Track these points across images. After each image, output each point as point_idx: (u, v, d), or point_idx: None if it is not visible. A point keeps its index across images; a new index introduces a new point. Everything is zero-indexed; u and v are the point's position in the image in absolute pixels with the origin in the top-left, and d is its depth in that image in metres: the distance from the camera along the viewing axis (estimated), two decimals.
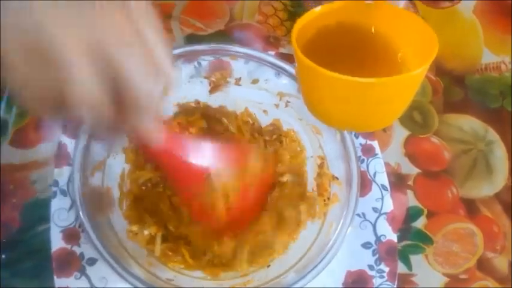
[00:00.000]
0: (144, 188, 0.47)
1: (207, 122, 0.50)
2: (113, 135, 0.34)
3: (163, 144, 0.35)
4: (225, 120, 0.50)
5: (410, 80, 0.35)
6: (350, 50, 0.39)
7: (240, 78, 0.49)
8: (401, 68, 0.39)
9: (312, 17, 0.38)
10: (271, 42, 0.58)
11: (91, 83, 0.26)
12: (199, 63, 0.49)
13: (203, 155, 0.41)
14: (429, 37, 0.36)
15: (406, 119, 0.56)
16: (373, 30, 0.39)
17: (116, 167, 0.45)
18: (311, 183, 0.48)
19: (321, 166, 0.47)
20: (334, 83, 0.34)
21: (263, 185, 0.45)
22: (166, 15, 0.58)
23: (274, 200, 0.47)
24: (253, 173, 0.43)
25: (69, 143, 0.48)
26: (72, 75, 0.26)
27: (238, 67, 0.49)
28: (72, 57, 0.26)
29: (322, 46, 0.39)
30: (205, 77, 0.49)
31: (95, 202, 0.41)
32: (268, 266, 0.44)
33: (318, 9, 0.38)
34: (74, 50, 0.26)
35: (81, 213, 0.39)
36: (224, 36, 0.58)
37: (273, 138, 0.50)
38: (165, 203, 0.46)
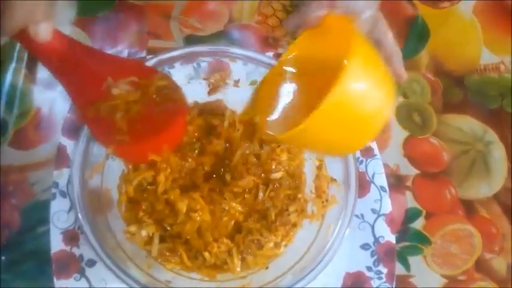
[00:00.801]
0: (139, 188, 0.47)
1: (204, 117, 0.50)
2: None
3: (51, 41, 0.33)
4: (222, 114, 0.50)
5: (338, 99, 0.32)
6: (315, 80, 0.40)
7: (239, 79, 0.49)
8: None
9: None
10: (270, 43, 0.58)
11: None
12: (198, 65, 0.49)
13: (101, 63, 0.39)
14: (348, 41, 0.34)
15: (405, 120, 0.56)
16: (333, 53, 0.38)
17: (115, 169, 0.45)
18: (309, 185, 0.48)
19: (319, 168, 0.47)
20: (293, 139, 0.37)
21: (171, 107, 0.41)
22: (165, 16, 0.58)
23: (263, 199, 0.47)
24: (158, 91, 0.40)
25: (68, 144, 0.48)
26: None
27: (237, 69, 0.49)
28: None
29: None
30: (204, 79, 0.49)
31: (94, 204, 0.41)
32: (267, 268, 0.44)
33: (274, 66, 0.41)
34: None
35: (79, 215, 0.39)
36: (223, 37, 0.58)
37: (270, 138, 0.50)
38: (160, 202, 0.46)
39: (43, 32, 0.32)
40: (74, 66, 0.37)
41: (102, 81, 0.38)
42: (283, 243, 0.45)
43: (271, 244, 0.45)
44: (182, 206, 0.43)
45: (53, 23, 0.34)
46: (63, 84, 0.39)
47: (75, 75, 0.37)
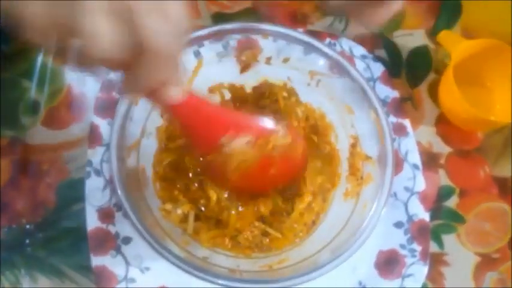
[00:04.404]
0: (173, 167, 0.47)
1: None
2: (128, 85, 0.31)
3: (179, 101, 0.33)
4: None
5: None
6: None
7: (271, 57, 0.48)
8: None
9: None
10: (298, 19, 0.58)
11: (107, 22, 0.25)
12: (227, 42, 0.48)
13: (222, 119, 0.40)
14: None
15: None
16: None
17: (150, 147, 0.45)
18: (343, 163, 0.47)
19: (353, 146, 0.46)
20: None
21: (288, 164, 0.43)
22: None
23: None
24: (276, 148, 0.41)
25: (101, 123, 0.48)
26: (88, 10, 0.25)
27: (268, 46, 0.48)
28: None
29: None
30: (235, 56, 0.49)
31: (131, 182, 0.41)
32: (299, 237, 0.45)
33: None
34: None
35: (119, 192, 0.39)
36: (251, 13, 0.57)
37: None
38: (193, 184, 0.46)
39: (175, 94, 0.32)
40: (195, 121, 0.38)
41: (219, 136, 0.39)
42: (316, 209, 0.46)
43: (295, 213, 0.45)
44: (213, 194, 0.43)
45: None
46: (187, 135, 0.41)
47: (196, 129, 0.39)
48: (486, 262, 0.50)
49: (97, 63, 0.27)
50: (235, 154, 0.40)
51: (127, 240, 0.45)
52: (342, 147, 0.48)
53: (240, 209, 0.45)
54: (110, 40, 0.26)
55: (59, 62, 0.32)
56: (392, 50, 0.57)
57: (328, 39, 0.54)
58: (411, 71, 0.56)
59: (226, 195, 0.44)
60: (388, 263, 0.47)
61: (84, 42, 0.26)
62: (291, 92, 0.49)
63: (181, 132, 0.43)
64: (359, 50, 0.54)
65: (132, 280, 0.44)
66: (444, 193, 0.51)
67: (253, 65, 0.49)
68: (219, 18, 0.57)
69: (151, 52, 0.27)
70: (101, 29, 0.25)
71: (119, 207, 0.45)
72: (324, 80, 0.48)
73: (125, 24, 0.26)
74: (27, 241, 0.46)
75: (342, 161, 0.47)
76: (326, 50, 0.47)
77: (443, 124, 0.54)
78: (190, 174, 0.46)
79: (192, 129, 0.39)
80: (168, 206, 0.44)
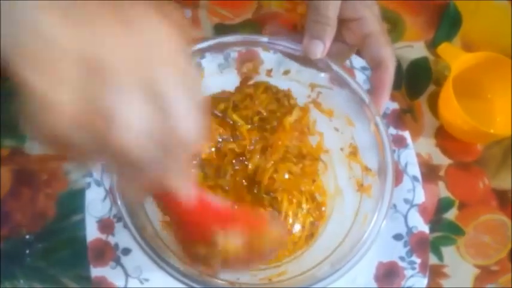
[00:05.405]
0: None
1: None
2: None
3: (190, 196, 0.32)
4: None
5: None
6: None
7: (271, 69, 0.49)
8: None
9: None
10: (299, 31, 0.58)
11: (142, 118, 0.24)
12: (228, 54, 0.48)
13: (218, 215, 0.37)
14: None
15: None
16: None
17: None
18: (342, 176, 0.47)
19: (353, 157, 0.47)
20: None
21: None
22: (194, 5, 0.58)
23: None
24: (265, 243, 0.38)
25: None
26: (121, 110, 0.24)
27: (268, 58, 0.48)
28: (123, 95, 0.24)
29: None
30: (236, 68, 0.49)
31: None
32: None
33: None
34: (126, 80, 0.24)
35: (119, 203, 0.39)
36: (252, 25, 0.58)
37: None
38: None
39: (185, 189, 0.30)
40: (192, 215, 0.35)
41: (212, 231, 0.36)
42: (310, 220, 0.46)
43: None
44: None
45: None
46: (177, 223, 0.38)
47: (190, 223, 0.36)
48: (486, 274, 0.50)
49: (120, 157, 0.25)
50: (226, 249, 0.37)
51: (126, 252, 0.45)
52: (342, 158, 0.48)
53: None
54: (143, 127, 0.24)
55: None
56: None
57: None
58: (411, 82, 0.56)
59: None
60: (388, 275, 0.47)
61: (116, 129, 0.24)
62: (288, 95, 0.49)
63: (171, 219, 0.40)
64: (359, 62, 0.54)
65: None
66: (444, 205, 0.51)
67: (254, 77, 0.49)
68: (220, 29, 0.57)
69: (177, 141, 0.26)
70: (136, 113, 0.24)
71: (119, 218, 0.45)
72: (324, 92, 0.48)
73: (159, 110, 0.24)
74: (27, 251, 0.46)
75: (341, 172, 0.48)
76: (326, 62, 0.47)
77: (443, 136, 0.54)
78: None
79: (186, 222, 0.36)
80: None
